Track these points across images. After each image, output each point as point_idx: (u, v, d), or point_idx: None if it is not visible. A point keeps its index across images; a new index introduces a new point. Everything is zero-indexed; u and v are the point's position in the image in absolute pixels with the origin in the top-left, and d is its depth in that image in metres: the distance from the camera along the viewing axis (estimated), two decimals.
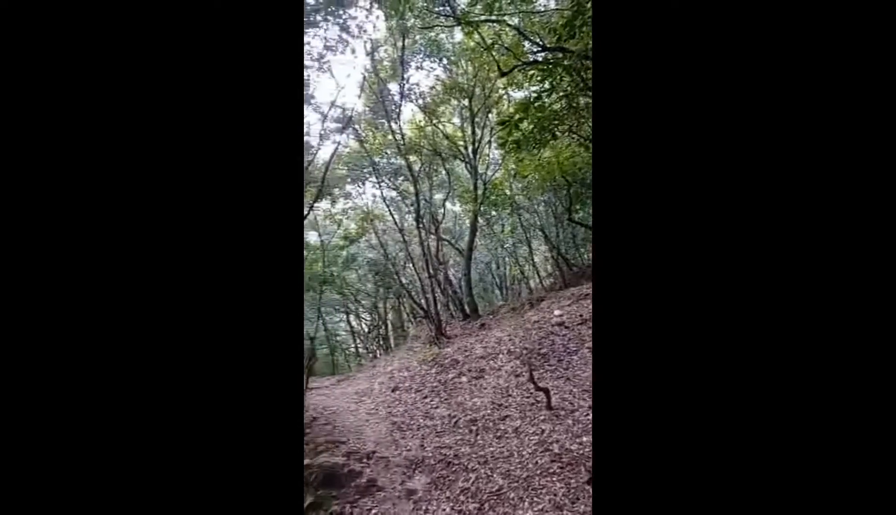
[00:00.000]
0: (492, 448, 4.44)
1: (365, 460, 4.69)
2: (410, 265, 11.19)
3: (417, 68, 9.03)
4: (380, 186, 10.23)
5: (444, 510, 3.76)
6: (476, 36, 6.90)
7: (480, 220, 10.89)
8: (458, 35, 8.47)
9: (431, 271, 9.80)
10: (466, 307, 10.00)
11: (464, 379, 6.18)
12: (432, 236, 10.23)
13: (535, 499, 3.56)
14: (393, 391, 6.60)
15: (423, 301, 10.05)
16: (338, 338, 15.20)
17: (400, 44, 8.14)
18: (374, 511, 4.02)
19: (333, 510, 4.12)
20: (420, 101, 9.57)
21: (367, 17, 7.40)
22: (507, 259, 13.33)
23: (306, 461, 4.74)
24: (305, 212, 7.74)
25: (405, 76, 8.65)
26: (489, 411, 5.16)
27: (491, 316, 9.30)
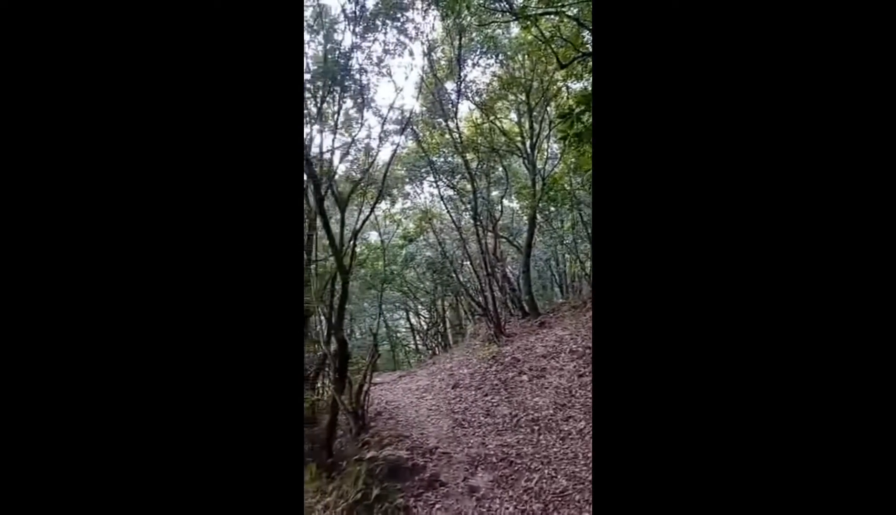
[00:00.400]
0: (555, 449, 4.36)
1: (428, 455, 4.78)
2: (468, 263, 11.22)
3: (474, 65, 9.02)
4: (437, 185, 10.34)
5: (508, 508, 3.75)
6: (534, 29, 6.78)
7: (539, 217, 10.70)
8: (515, 30, 8.36)
9: (489, 269, 9.77)
10: (525, 305, 9.87)
11: (524, 377, 6.11)
12: (490, 234, 10.20)
13: None
14: (453, 388, 6.66)
15: (481, 299, 10.04)
16: (398, 335, 15.57)
17: (457, 42, 8.17)
18: (437, 506, 4.08)
19: (398, 502, 4.23)
20: (477, 99, 9.56)
21: (423, 18, 7.49)
22: (566, 255, 13.00)
23: (372, 453, 4.90)
24: (367, 214, 7.98)
25: (462, 74, 8.67)
26: (551, 411, 5.07)
27: (551, 314, 9.12)
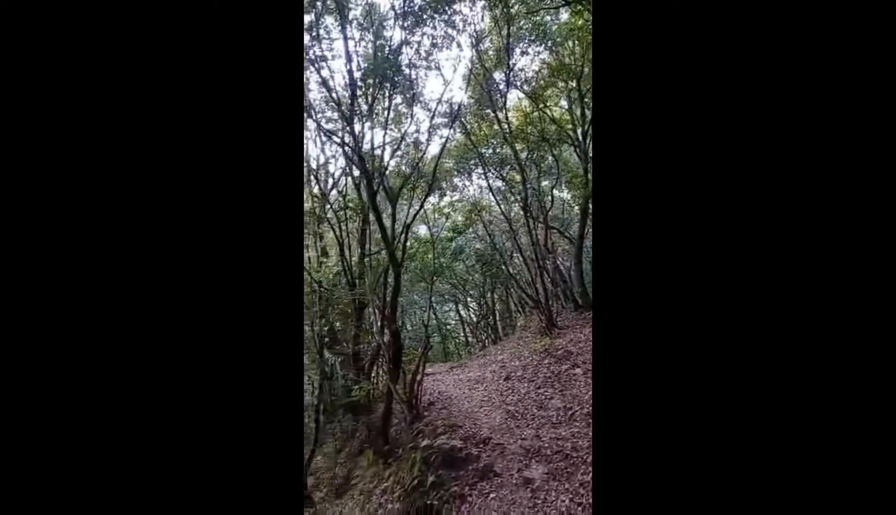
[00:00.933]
0: None
1: (481, 445, 4.82)
2: (518, 255, 11.11)
3: (523, 54, 8.86)
4: (486, 177, 10.29)
5: (564, 501, 3.72)
6: (585, 14, 6.56)
7: (591, 206, 10.40)
8: (564, 15, 8.13)
9: (540, 260, 9.63)
10: (577, 297, 9.66)
11: (578, 370, 6.00)
12: (540, 225, 10.04)
13: None
14: (505, 380, 6.66)
15: (532, 291, 9.93)
16: (448, 327, 15.73)
17: (505, 32, 8.06)
18: (491, 496, 4.12)
19: (453, 490, 4.31)
20: (526, 87, 9.39)
21: (471, 9, 7.44)
22: None
23: (426, 441, 5.00)
24: (417, 208, 8.09)
25: (510, 63, 8.55)
26: None
27: None
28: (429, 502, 4.37)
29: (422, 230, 11.45)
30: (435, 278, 10.43)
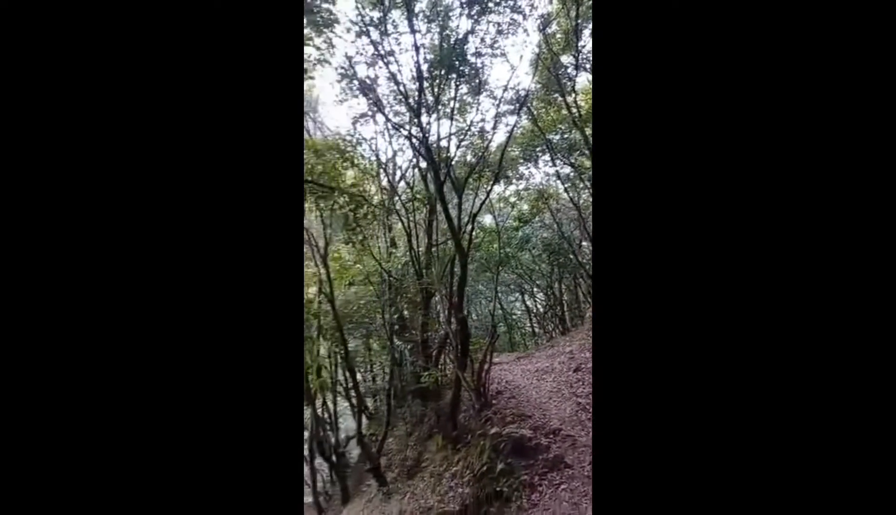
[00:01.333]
0: None
1: (551, 436, 4.78)
2: (587, 243, 10.76)
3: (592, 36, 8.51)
4: (553, 163, 10.04)
5: None
6: None
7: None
8: None
9: None
10: None
11: None
12: None
13: None
14: (575, 371, 6.53)
15: None
16: (513, 317, 15.63)
17: (573, 13, 7.76)
18: (562, 487, 4.09)
19: (523, 479, 4.33)
20: None
21: None
22: None
23: (495, 429, 5.05)
24: (483, 197, 8.09)
25: (579, 46, 8.23)
26: None
27: None
28: (498, 489, 4.43)
29: (487, 219, 11.43)
30: (500, 268, 10.40)
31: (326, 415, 10.12)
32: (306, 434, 10.10)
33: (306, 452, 10.24)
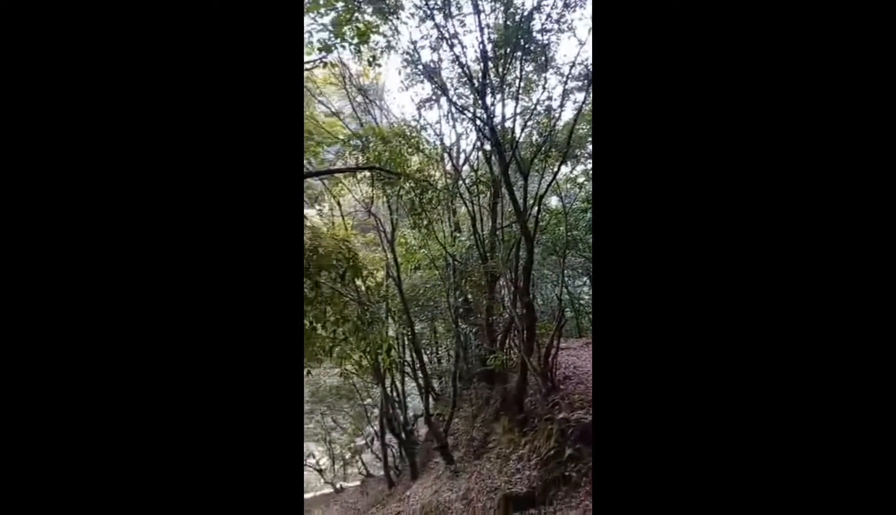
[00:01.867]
0: None
1: None
2: None
3: None
4: None
5: None
6: None
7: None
8: None
9: None
10: None
11: None
12: None
13: None
14: None
15: None
16: (580, 303, 15.19)
17: None
18: None
19: (592, 465, 4.25)
20: None
21: None
22: None
23: (563, 414, 4.99)
24: (549, 179, 7.87)
25: None
26: None
27: None
28: (567, 473, 4.38)
29: (553, 201, 11.12)
30: (567, 251, 10.11)
31: (395, 394, 10.51)
32: (376, 411, 10.54)
33: (377, 428, 10.69)
